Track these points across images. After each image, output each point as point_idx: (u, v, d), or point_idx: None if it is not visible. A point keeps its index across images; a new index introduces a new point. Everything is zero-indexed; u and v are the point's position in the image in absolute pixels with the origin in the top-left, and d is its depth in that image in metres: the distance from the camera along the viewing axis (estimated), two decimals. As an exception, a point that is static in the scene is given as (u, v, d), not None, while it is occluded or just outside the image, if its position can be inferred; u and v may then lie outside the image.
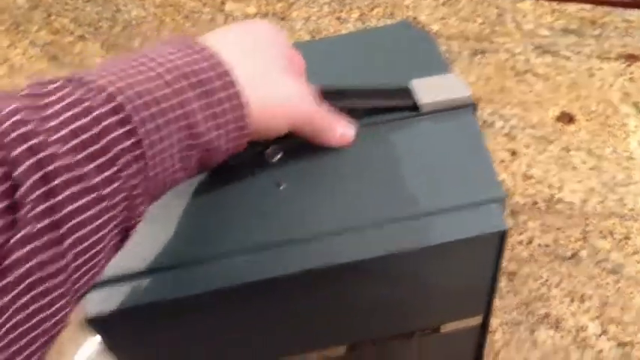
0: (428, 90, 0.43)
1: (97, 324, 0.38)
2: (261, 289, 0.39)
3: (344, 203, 0.40)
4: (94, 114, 0.27)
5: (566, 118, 0.70)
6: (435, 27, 0.82)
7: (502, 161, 0.67)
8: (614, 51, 0.76)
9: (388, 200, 0.39)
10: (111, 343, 0.40)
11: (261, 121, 0.35)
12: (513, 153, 0.68)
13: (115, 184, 0.28)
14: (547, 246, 0.61)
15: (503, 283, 0.60)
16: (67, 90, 0.28)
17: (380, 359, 0.51)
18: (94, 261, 0.28)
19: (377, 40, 0.51)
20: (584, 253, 0.60)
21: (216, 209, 0.40)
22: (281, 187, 0.40)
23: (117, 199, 0.28)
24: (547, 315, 0.57)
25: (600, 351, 0.55)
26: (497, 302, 0.59)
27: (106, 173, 0.27)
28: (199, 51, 0.33)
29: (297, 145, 0.42)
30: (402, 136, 0.42)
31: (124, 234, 0.30)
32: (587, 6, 0.80)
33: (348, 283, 0.41)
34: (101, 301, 0.38)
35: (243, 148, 0.36)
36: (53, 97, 0.27)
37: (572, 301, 0.58)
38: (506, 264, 0.61)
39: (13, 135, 0.25)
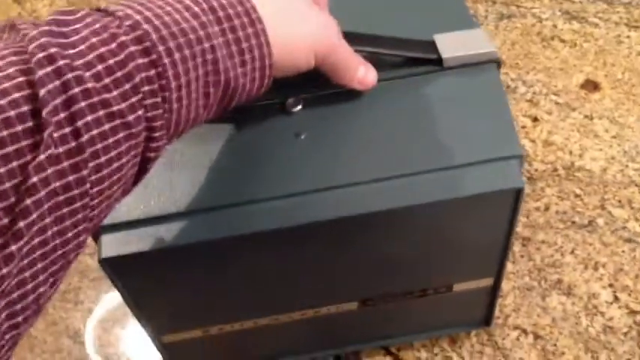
0: (452, 44, 0.43)
1: (114, 267, 0.39)
2: (279, 238, 0.39)
3: (364, 155, 0.40)
4: (119, 40, 0.27)
5: (591, 85, 0.69)
6: (461, -11, 0.80)
7: (523, 127, 0.67)
8: (644, 19, 0.74)
9: (407, 153, 0.39)
10: (125, 289, 0.41)
11: (285, 57, 0.35)
12: (535, 119, 0.67)
13: (139, 112, 0.28)
14: (564, 213, 0.61)
15: (517, 248, 0.60)
16: (93, 17, 0.28)
17: (391, 316, 0.52)
18: (113, 189, 0.28)
19: None
20: (600, 221, 0.60)
21: (237, 157, 0.41)
22: (302, 137, 0.41)
23: (139, 127, 0.28)
24: (559, 281, 0.58)
25: (611, 318, 0.55)
26: (509, 267, 0.59)
27: (130, 100, 0.27)
28: None
29: (318, 96, 0.42)
30: (424, 90, 0.42)
31: (143, 166, 0.30)
32: (620, -28, 0.78)
33: (366, 236, 0.41)
34: (119, 244, 0.38)
35: (267, 89, 0.36)
36: (79, 24, 0.27)
37: (585, 268, 0.58)
38: (521, 229, 0.61)
39: (39, 56, 0.25)
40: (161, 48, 0.29)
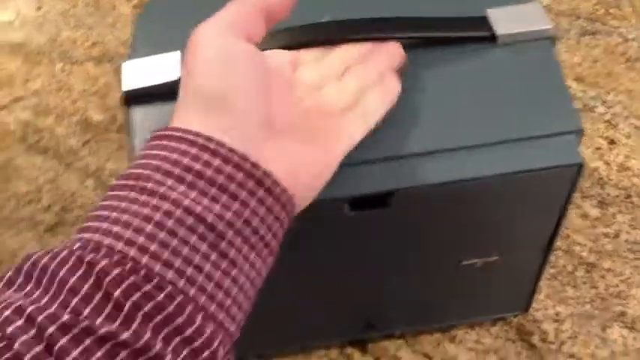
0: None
1: None
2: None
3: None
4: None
5: (676, 112, 0.65)
6: (545, 0, 0.77)
7: (598, 148, 0.63)
8: None
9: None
10: None
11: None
12: (612, 142, 0.64)
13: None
14: (635, 242, 0.57)
15: (580, 273, 0.57)
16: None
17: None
18: None
19: None
20: (674, 256, 0.56)
21: None
22: None
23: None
24: (623, 314, 0.54)
25: (676, 360, 0.51)
26: (570, 292, 0.56)
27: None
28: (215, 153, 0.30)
29: None
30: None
31: None
32: None
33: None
34: None
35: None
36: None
37: (653, 303, 0.54)
38: (586, 254, 0.57)
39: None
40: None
